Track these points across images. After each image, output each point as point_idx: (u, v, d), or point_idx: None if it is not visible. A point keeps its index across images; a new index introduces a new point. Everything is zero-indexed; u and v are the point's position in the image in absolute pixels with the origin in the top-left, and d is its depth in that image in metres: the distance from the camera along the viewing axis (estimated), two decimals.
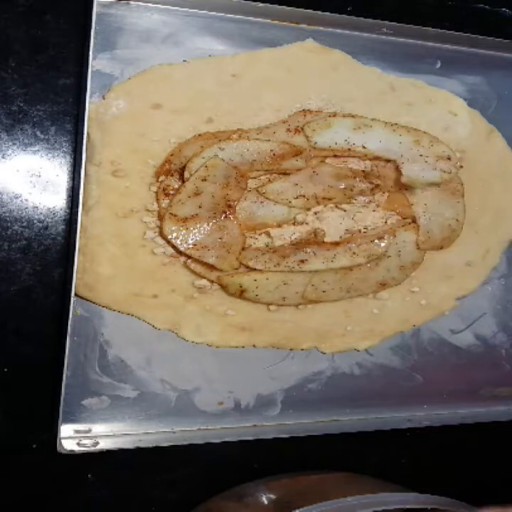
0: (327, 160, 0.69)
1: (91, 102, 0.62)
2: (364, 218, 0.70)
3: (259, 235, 0.68)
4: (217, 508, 0.68)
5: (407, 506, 0.61)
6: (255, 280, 0.67)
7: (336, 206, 0.69)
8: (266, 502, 0.65)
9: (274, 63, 0.69)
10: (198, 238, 0.65)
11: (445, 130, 0.73)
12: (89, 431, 0.66)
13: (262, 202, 0.67)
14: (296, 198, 0.67)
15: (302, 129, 0.68)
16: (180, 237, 0.64)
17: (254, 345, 0.70)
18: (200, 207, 0.65)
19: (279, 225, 0.68)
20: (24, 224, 0.64)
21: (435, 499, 0.61)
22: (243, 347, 0.70)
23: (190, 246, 0.65)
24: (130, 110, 0.64)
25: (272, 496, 0.66)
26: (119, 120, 0.64)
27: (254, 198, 0.67)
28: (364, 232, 0.70)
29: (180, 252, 0.66)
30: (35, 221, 0.64)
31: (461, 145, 0.74)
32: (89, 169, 0.63)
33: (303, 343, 0.72)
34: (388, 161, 0.70)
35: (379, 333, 0.74)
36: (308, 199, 0.67)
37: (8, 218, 0.63)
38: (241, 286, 0.67)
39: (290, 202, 0.67)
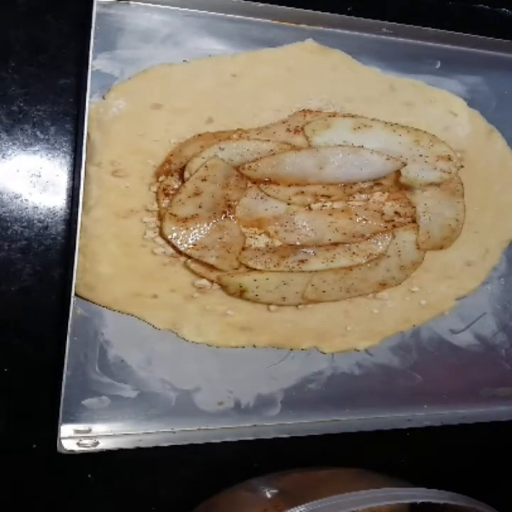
0: None
1: (91, 102, 0.62)
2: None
3: (259, 234, 0.68)
4: (228, 499, 0.68)
5: (434, 501, 0.61)
6: (255, 280, 0.67)
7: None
8: (276, 495, 0.65)
9: (274, 63, 0.69)
10: (198, 238, 0.65)
11: (445, 130, 0.73)
12: (89, 431, 0.66)
13: (262, 198, 0.67)
14: (296, 195, 0.67)
15: (302, 129, 0.68)
16: (180, 237, 0.65)
17: (254, 345, 0.70)
18: (200, 207, 0.65)
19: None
20: (24, 224, 0.64)
21: (453, 496, 0.61)
22: (243, 347, 0.70)
23: (190, 246, 0.65)
24: (130, 110, 0.64)
25: (283, 490, 0.66)
26: (119, 120, 0.64)
27: (254, 194, 0.67)
28: (364, 233, 0.70)
29: (180, 252, 0.66)
30: (35, 221, 0.64)
31: (461, 145, 0.74)
32: (89, 169, 0.63)
33: (303, 343, 0.72)
34: None
35: (379, 333, 0.74)
36: (307, 196, 0.67)
37: (8, 218, 0.63)
38: (241, 286, 0.67)
39: (290, 199, 0.67)
